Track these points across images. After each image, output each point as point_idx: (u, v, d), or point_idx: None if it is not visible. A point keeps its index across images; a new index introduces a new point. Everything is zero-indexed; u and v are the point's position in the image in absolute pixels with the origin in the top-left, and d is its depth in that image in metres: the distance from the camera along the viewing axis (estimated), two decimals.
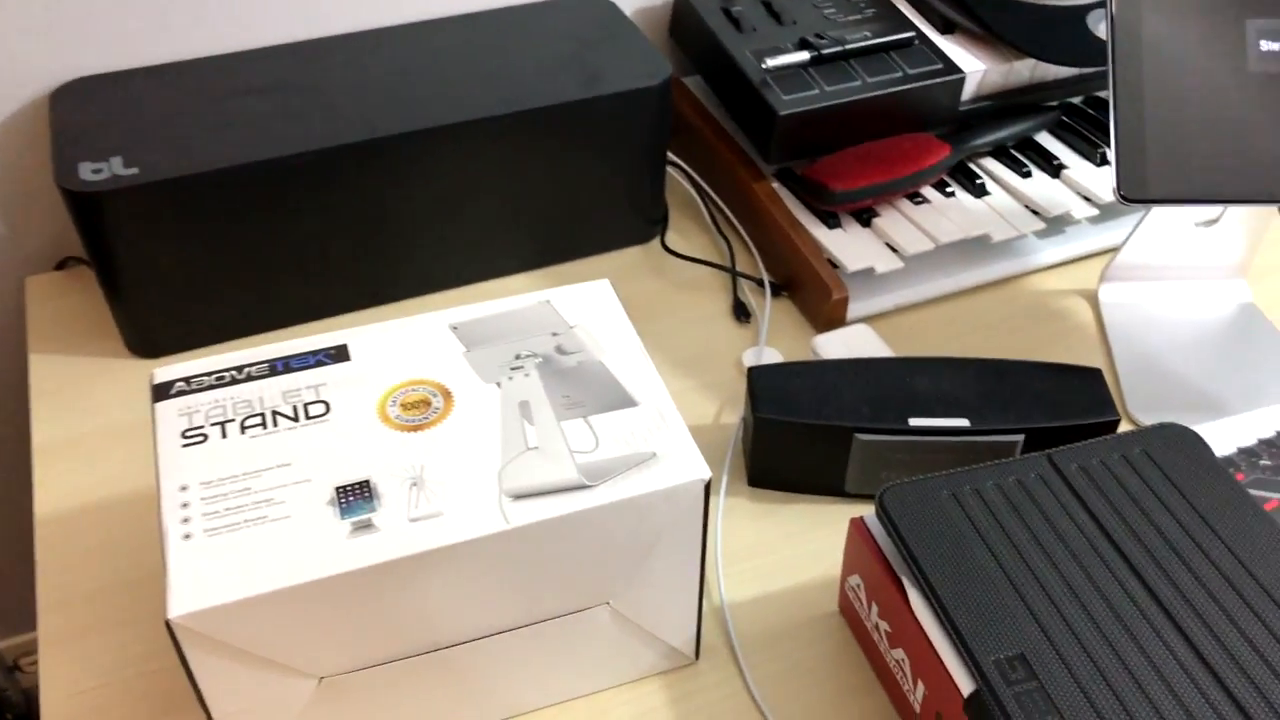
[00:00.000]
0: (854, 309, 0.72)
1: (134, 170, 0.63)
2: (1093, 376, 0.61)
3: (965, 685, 0.44)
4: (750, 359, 0.69)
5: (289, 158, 0.65)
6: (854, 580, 0.53)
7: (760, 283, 0.75)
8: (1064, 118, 0.82)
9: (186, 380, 0.51)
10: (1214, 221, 0.69)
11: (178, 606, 0.42)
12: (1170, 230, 0.70)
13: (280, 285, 0.70)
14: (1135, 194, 0.56)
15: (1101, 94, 0.85)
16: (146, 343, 0.70)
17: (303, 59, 0.72)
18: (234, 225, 0.66)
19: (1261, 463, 0.54)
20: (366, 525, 0.44)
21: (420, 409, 0.49)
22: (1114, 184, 0.57)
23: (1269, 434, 0.55)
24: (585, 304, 0.54)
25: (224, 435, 0.48)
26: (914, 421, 0.58)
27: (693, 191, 0.83)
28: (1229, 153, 0.57)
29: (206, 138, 0.65)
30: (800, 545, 0.60)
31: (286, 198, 0.66)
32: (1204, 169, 0.57)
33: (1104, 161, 0.79)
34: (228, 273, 0.68)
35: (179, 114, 0.67)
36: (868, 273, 0.72)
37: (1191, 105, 0.57)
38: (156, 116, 0.67)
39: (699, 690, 0.53)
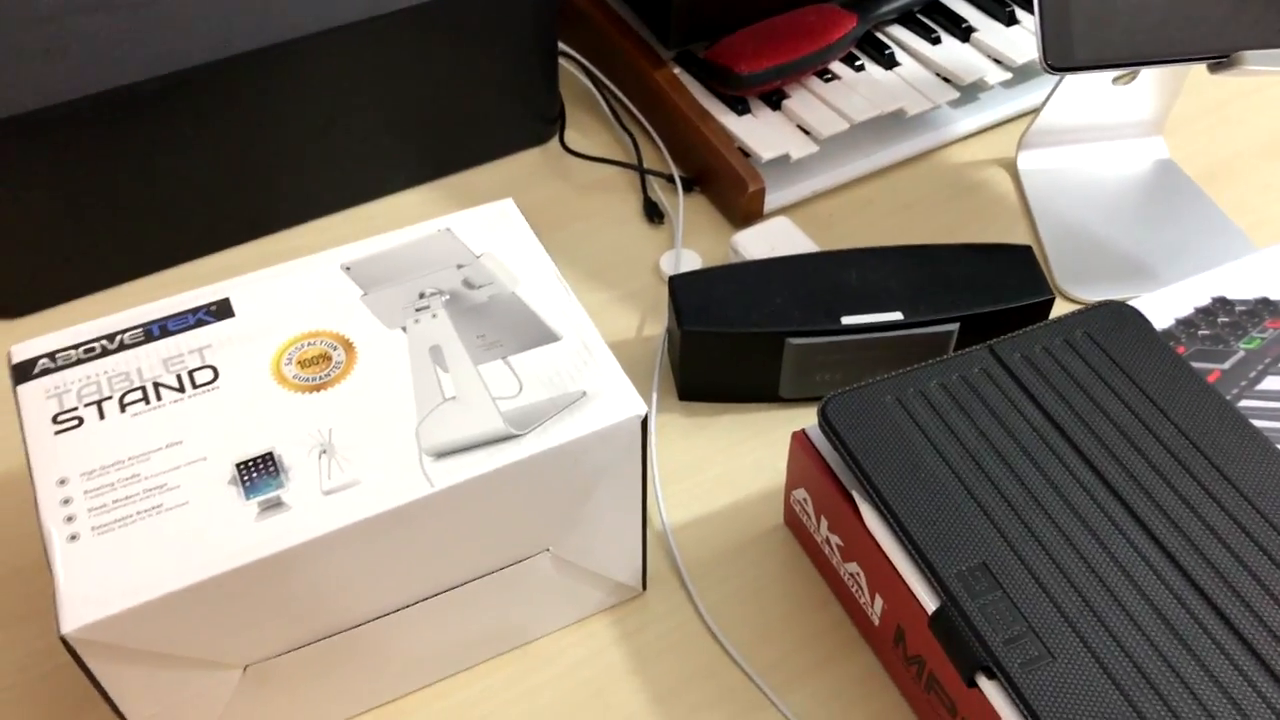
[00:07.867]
0: (770, 199, 0.68)
1: None
2: (1023, 254, 0.58)
3: (929, 601, 0.43)
4: (668, 263, 0.66)
5: (136, 85, 0.58)
6: (799, 494, 0.51)
7: (670, 179, 0.71)
8: None
9: (51, 356, 0.45)
10: (1131, 78, 0.67)
11: (72, 620, 0.37)
12: (1087, 91, 0.67)
13: (146, 226, 0.63)
14: (1062, 62, 0.53)
15: None
16: (1, 301, 0.63)
17: None
18: (82, 166, 0.59)
19: (1200, 333, 0.52)
20: (275, 504, 0.40)
21: (320, 365, 0.45)
22: (1040, 53, 0.53)
23: (1204, 301, 0.54)
24: (489, 228, 0.50)
25: (101, 416, 0.43)
26: (846, 320, 0.55)
27: (589, 84, 0.77)
28: (1151, 10, 0.54)
29: (34, 68, 0.58)
30: (738, 458, 0.57)
31: (137, 130, 0.59)
32: (1127, 30, 0.54)
33: (1013, 20, 0.75)
34: (83, 218, 0.61)
35: None
36: (782, 160, 0.68)
37: None
38: None
39: (650, 622, 0.51)
